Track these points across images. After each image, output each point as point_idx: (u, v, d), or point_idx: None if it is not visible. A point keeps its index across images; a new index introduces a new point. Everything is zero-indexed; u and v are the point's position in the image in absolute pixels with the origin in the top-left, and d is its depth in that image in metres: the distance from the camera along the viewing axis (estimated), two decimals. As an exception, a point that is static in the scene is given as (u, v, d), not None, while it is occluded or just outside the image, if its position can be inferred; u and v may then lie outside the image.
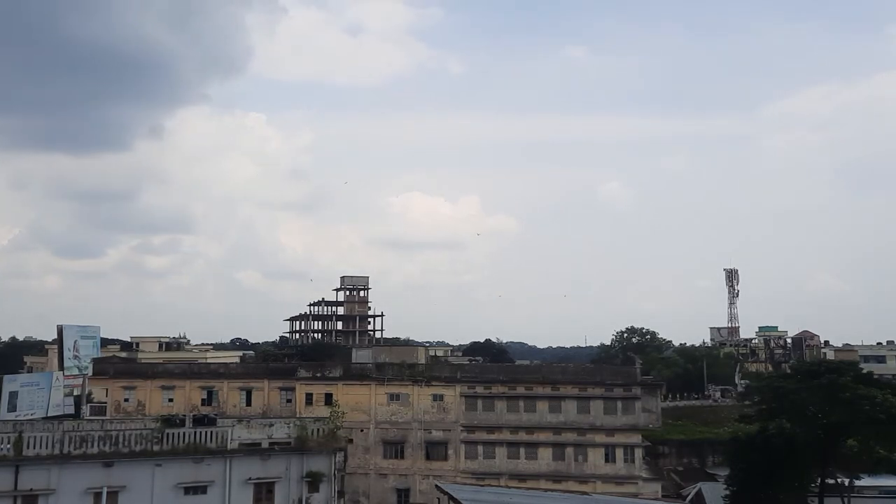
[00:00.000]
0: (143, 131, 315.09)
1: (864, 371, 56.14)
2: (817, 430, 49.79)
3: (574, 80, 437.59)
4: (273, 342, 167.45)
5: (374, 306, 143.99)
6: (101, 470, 37.51)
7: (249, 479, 39.81)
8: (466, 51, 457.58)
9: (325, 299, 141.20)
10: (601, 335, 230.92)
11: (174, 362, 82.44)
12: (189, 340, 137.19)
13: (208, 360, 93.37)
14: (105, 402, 65.18)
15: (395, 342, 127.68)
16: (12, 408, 50.52)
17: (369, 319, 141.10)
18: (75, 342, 59.10)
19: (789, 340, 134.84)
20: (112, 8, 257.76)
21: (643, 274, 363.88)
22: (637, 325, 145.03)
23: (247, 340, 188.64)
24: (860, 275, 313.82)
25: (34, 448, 37.03)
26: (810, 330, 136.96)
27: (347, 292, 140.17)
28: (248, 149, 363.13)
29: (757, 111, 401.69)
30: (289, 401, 64.43)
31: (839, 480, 53.01)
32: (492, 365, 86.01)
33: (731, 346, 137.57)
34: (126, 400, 66.01)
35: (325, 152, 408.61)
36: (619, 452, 61.22)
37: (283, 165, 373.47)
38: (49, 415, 51.74)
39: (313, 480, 40.76)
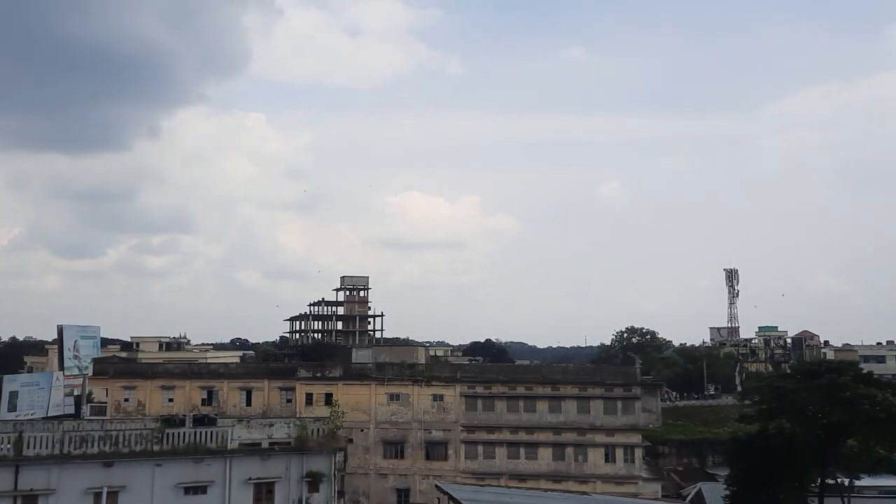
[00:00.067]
0: (142, 131, 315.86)
1: (864, 371, 55.91)
2: (817, 430, 49.79)
3: (574, 80, 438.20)
4: (273, 342, 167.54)
5: (374, 306, 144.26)
6: (101, 470, 37.50)
7: (249, 479, 39.80)
8: (466, 51, 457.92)
9: (325, 299, 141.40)
10: (601, 335, 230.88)
11: (174, 362, 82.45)
12: (189, 340, 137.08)
13: (208, 360, 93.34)
14: (105, 402, 65.23)
15: (395, 342, 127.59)
16: (12, 408, 50.46)
17: (369, 319, 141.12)
18: (75, 342, 59.04)
19: (789, 340, 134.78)
20: (111, 8, 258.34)
21: (643, 274, 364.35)
22: (637, 325, 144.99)
23: (247, 340, 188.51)
24: (860, 275, 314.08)
25: (34, 448, 37.02)
26: (810, 330, 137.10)
27: (347, 292, 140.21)
28: (247, 149, 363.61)
29: (757, 111, 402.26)
30: (289, 401, 64.48)
31: (839, 480, 52.98)
32: (492, 365, 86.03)
33: (731, 346, 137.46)
34: (126, 400, 66.08)
35: (324, 152, 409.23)
36: (619, 452, 61.27)
37: (282, 165, 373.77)
38: (49, 415, 51.65)
39: (313, 480, 40.74)
